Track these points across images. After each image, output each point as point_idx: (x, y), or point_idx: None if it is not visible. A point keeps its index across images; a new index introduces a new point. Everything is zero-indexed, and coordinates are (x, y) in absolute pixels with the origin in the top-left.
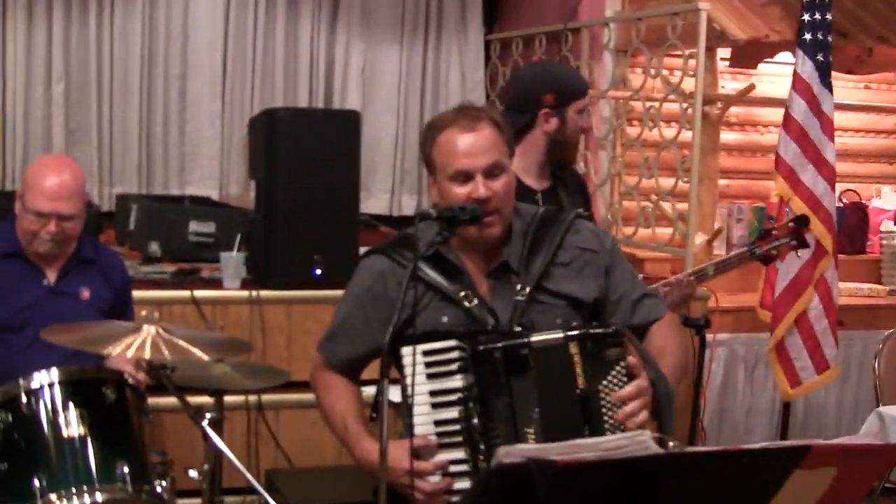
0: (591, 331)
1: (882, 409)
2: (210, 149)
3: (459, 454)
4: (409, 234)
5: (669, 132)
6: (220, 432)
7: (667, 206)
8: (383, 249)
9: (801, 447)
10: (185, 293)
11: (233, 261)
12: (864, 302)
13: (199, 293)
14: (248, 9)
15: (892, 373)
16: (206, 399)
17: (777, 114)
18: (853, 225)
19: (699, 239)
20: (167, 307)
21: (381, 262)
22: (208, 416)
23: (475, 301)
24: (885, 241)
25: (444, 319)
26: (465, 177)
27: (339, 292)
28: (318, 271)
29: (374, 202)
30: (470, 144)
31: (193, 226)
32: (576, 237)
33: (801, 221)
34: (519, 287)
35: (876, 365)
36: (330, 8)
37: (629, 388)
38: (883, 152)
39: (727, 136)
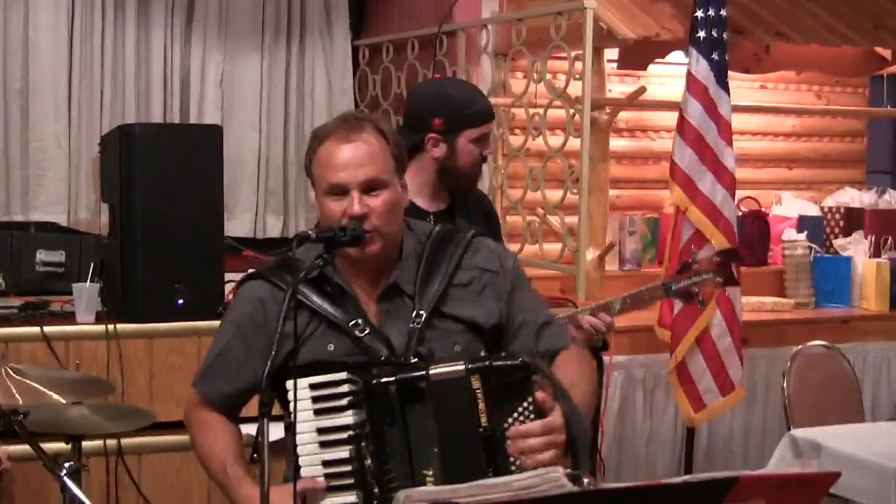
0: (496, 363)
1: (794, 431)
2: (56, 171)
3: (350, 498)
4: (290, 256)
5: (555, 140)
6: (78, 482)
7: (554, 220)
8: (263, 274)
9: (727, 479)
10: (34, 329)
11: (86, 292)
12: (768, 317)
13: (50, 329)
14: (94, 17)
15: (803, 392)
16: (61, 445)
17: (669, 118)
18: (754, 235)
19: (590, 254)
20: (14, 345)
21: (261, 287)
22: (66, 465)
23: (366, 329)
24: (787, 252)
25: (331, 348)
26: (341, 191)
27: (204, 323)
28: (181, 301)
29: (236, 224)
30: (347, 157)
31: (41, 255)
32: (475, 257)
33: (729, 255)
34: (414, 312)
35: (785, 384)
36: (183, 16)
37: (534, 424)
38: (782, 156)
39: (616, 144)
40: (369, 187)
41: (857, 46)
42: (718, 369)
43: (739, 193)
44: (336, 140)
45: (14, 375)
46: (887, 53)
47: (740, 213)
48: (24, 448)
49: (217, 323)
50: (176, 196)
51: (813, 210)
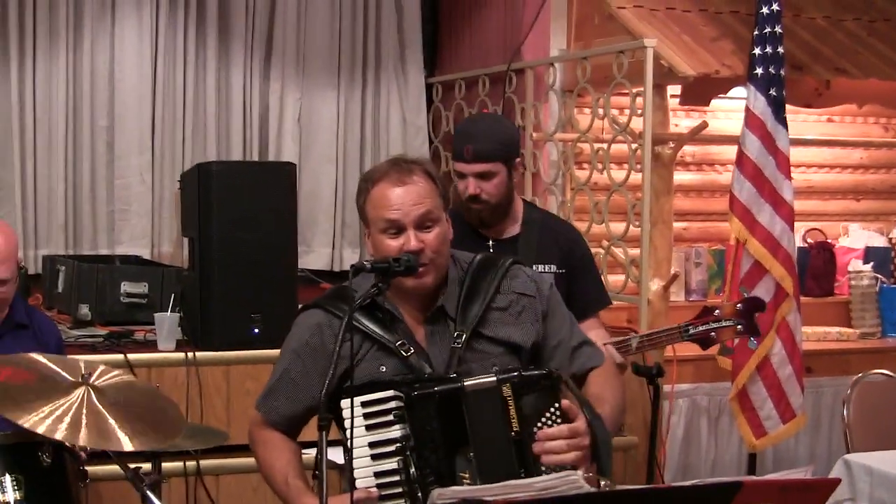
0: (524, 373)
1: (848, 456)
2: (140, 205)
3: None
4: (344, 286)
5: (620, 174)
6: (158, 495)
7: (619, 251)
8: (319, 303)
9: (733, 483)
10: (118, 356)
11: (167, 321)
12: (833, 346)
13: (133, 356)
14: (177, 56)
15: (863, 419)
16: (143, 465)
17: (734, 151)
18: (820, 266)
19: (655, 285)
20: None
21: (318, 315)
22: (147, 478)
23: (412, 350)
24: (853, 282)
25: (383, 369)
26: (397, 229)
27: (278, 351)
28: (256, 330)
29: (314, 257)
30: (401, 197)
31: (125, 286)
32: (513, 282)
33: (754, 305)
34: (456, 334)
35: (845, 412)
36: (262, 54)
37: (560, 428)
38: (849, 188)
39: (683, 177)
40: (422, 224)
41: None
42: (779, 397)
43: (807, 225)
44: (389, 182)
45: (94, 398)
46: None
47: (806, 245)
48: (107, 468)
49: None
50: (251, 230)
51: (880, 241)
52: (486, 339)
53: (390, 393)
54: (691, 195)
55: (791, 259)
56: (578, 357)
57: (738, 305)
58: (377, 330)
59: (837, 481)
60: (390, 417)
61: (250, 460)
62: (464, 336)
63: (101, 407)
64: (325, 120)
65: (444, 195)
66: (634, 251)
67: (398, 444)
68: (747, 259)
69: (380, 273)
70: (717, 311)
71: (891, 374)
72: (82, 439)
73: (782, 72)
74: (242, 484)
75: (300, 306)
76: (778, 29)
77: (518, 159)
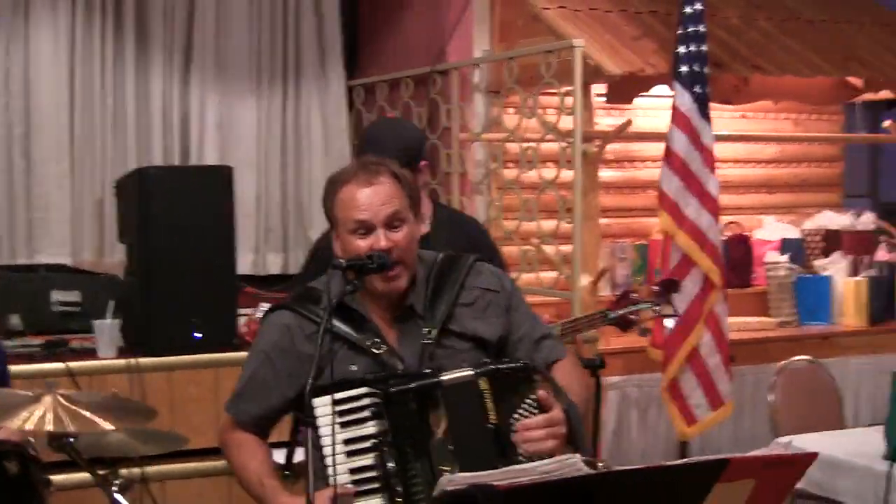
0: (501, 366)
1: (781, 439)
2: (60, 213)
3: (376, 500)
4: (312, 287)
5: (548, 173)
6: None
7: (549, 248)
8: (287, 305)
9: (720, 460)
10: (59, 365)
11: (107, 329)
12: (753, 336)
13: (74, 364)
14: (93, 61)
15: (788, 404)
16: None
17: (653, 148)
18: (738, 258)
19: (584, 281)
20: (40, 381)
21: (287, 316)
22: (117, 482)
23: (383, 348)
24: (770, 273)
25: (353, 368)
26: (366, 229)
27: (221, 355)
28: (198, 334)
29: (238, 262)
30: (369, 198)
31: (56, 295)
32: (477, 278)
33: (668, 286)
34: (426, 331)
35: (770, 397)
36: (182, 59)
37: (537, 418)
38: (763, 182)
39: (604, 174)
40: (391, 223)
41: (829, 76)
42: (708, 386)
43: (723, 219)
44: (357, 183)
45: (66, 403)
46: (858, 82)
47: (725, 238)
48: (68, 476)
49: (233, 354)
50: (190, 234)
51: (793, 233)
52: (454, 335)
53: (364, 390)
54: (612, 192)
55: (717, 251)
56: (541, 349)
57: (654, 287)
58: (347, 330)
59: (814, 456)
60: (365, 414)
61: (196, 465)
62: (433, 332)
63: (73, 405)
64: (246, 125)
65: (411, 196)
66: (564, 248)
67: (374, 440)
68: (676, 252)
69: (354, 270)
70: (634, 293)
71: (812, 359)
72: (70, 427)
73: (706, 69)
74: (190, 488)
75: (270, 306)
76: (701, 28)
77: (423, 163)
